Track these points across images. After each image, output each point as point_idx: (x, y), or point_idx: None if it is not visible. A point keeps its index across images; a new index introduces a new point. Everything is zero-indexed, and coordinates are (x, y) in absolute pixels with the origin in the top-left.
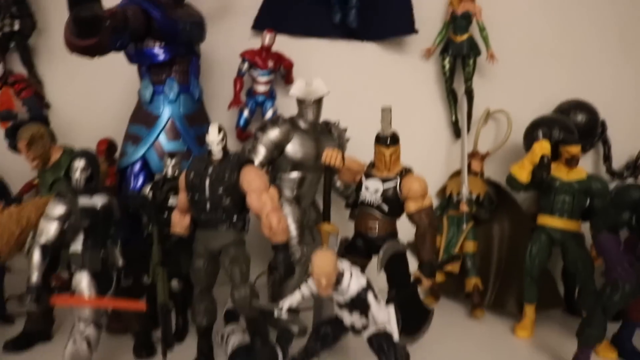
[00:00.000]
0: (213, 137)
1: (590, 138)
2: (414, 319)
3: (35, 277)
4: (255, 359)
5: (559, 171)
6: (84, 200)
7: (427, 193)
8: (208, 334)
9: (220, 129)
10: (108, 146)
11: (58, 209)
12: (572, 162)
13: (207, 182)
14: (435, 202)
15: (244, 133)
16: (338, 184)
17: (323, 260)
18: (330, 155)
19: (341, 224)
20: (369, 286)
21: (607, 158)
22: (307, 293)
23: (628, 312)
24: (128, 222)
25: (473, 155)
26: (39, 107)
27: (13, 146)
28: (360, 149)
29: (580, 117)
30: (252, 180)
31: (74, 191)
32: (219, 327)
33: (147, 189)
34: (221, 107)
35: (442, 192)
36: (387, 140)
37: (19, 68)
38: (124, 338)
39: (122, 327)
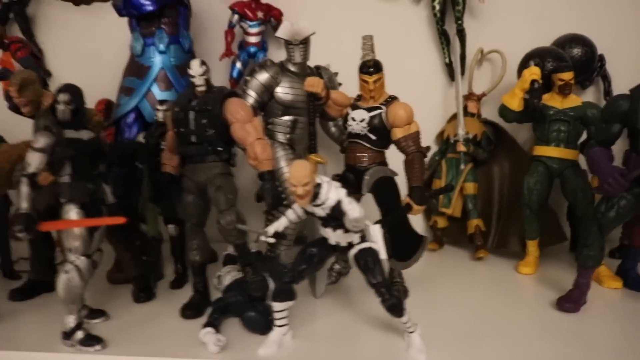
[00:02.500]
0: (195, 70)
1: (588, 73)
2: (406, 244)
3: (24, 205)
4: (247, 289)
5: (553, 100)
6: (70, 133)
7: (413, 119)
8: (203, 271)
9: (202, 63)
10: (106, 106)
11: (42, 139)
12: (565, 89)
13: (191, 114)
14: (433, 147)
15: (237, 84)
16: (333, 129)
17: (299, 168)
18: (311, 83)
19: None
20: (347, 196)
21: (608, 93)
22: (294, 217)
23: (632, 239)
24: (122, 175)
25: (469, 96)
26: (36, 67)
27: (12, 108)
28: (354, 93)
29: (577, 51)
30: (236, 111)
31: (60, 124)
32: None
33: (141, 136)
34: (214, 60)
35: (440, 136)
36: (370, 68)
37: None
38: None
39: (123, 278)
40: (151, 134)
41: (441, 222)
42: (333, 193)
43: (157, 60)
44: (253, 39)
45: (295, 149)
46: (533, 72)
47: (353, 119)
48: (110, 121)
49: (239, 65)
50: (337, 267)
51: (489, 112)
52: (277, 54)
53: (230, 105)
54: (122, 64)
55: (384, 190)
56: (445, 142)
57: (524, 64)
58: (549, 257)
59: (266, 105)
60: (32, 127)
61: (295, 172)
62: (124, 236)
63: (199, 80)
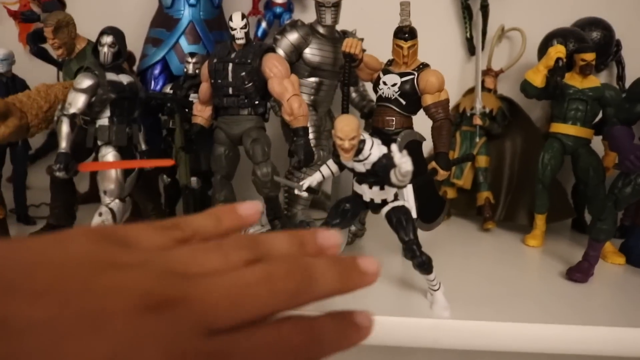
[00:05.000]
0: (237, 22)
1: (604, 57)
2: (430, 207)
3: (63, 145)
4: None
5: (573, 80)
6: (111, 76)
7: (443, 87)
8: None
9: (243, 16)
10: (127, 57)
11: (86, 81)
12: (586, 69)
13: (230, 66)
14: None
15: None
16: (354, 95)
17: (346, 122)
18: (350, 44)
19: None
20: (389, 153)
21: (621, 78)
22: (328, 172)
23: (637, 217)
24: (148, 124)
25: (487, 72)
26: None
27: (34, 52)
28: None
29: (596, 34)
30: (274, 66)
31: (101, 66)
32: None
33: (168, 88)
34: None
35: (455, 109)
36: (406, 34)
37: None
38: None
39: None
40: (180, 85)
41: (451, 193)
42: (376, 149)
43: (187, 13)
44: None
45: (317, 110)
46: (559, 50)
47: (384, 83)
48: (135, 72)
49: (264, 25)
50: (353, 228)
51: (505, 88)
52: (303, 16)
53: (269, 60)
54: (144, 15)
55: (414, 153)
56: (460, 115)
57: (546, 43)
58: (553, 233)
59: (293, 66)
60: (60, 73)
61: (342, 126)
62: (148, 185)
63: (239, 33)
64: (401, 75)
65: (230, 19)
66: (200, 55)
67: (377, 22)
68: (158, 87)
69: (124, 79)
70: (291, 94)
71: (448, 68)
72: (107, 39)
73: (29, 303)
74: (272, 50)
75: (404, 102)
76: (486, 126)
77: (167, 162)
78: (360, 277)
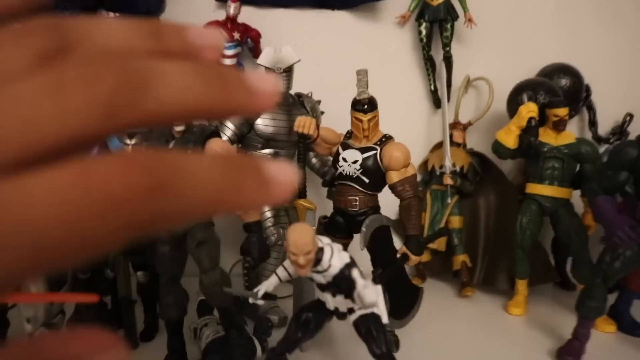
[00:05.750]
0: None
1: (574, 103)
2: (403, 299)
3: None
4: (231, 352)
5: (546, 136)
6: None
7: (409, 161)
8: (179, 328)
9: None
10: None
11: None
12: (559, 125)
13: None
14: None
15: None
16: (314, 160)
17: (300, 234)
18: (302, 124)
19: (319, 204)
20: (352, 262)
21: (593, 124)
22: (285, 275)
23: (627, 281)
24: None
25: (454, 125)
26: None
27: None
28: (336, 122)
29: (564, 81)
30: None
31: None
32: (191, 322)
33: None
34: None
35: (423, 166)
36: (365, 105)
37: None
38: None
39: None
40: None
41: (425, 256)
42: (336, 259)
43: None
44: (228, 61)
45: None
46: (530, 109)
47: (344, 160)
48: None
49: None
50: None
51: (474, 140)
52: None
53: (213, 148)
54: None
55: (381, 243)
56: (429, 173)
57: (515, 97)
58: (535, 292)
59: (244, 138)
60: None
61: (296, 239)
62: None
63: (178, 124)
64: (362, 150)
65: None
66: (140, 134)
67: (333, 79)
68: None
69: None
70: None
71: (413, 122)
72: None
73: None
74: (216, 134)
75: (367, 180)
76: (458, 185)
77: (91, 298)
78: (244, 95)
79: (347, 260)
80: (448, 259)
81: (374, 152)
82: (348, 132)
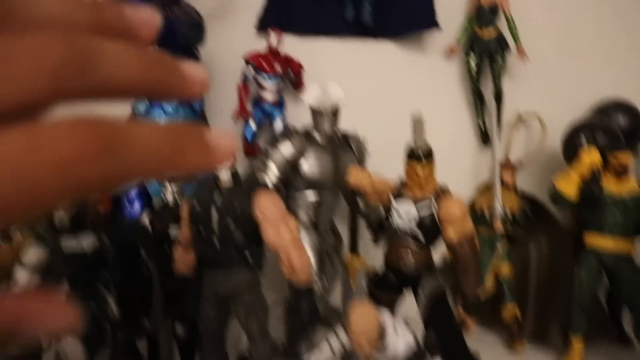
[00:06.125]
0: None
1: (633, 141)
2: None
3: None
4: None
5: (607, 183)
6: (68, 242)
7: (467, 216)
8: None
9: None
10: None
11: (34, 255)
12: (622, 171)
13: (215, 213)
14: None
15: (251, 147)
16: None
17: (363, 317)
18: (357, 178)
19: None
20: (418, 346)
21: None
22: (338, 347)
23: None
24: (123, 259)
25: (505, 165)
26: None
27: None
28: (379, 159)
29: (621, 119)
30: (267, 208)
31: (55, 231)
32: None
33: (145, 218)
34: (224, 117)
35: (470, 207)
36: (421, 156)
37: None
38: None
39: None
40: (159, 216)
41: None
42: (401, 342)
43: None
44: (269, 95)
45: (318, 229)
46: (593, 160)
47: (397, 213)
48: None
49: (253, 124)
50: None
51: (523, 180)
52: (295, 109)
53: (261, 201)
54: (118, 111)
55: (439, 312)
56: (477, 215)
57: (572, 140)
58: (589, 348)
59: (288, 180)
60: None
61: (359, 321)
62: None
63: (224, 174)
64: (417, 202)
65: None
66: (181, 183)
67: (378, 110)
68: (134, 212)
69: (86, 241)
70: (289, 242)
71: (459, 158)
72: None
73: None
74: (263, 186)
75: (422, 236)
76: (508, 231)
77: None
78: (177, 81)
79: (411, 341)
80: (495, 306)
81: (429, 204)
82: (400, 180)
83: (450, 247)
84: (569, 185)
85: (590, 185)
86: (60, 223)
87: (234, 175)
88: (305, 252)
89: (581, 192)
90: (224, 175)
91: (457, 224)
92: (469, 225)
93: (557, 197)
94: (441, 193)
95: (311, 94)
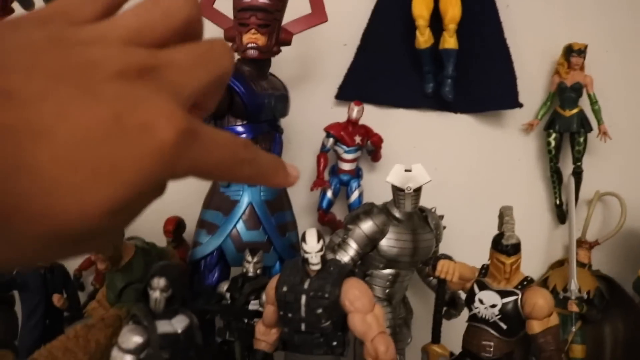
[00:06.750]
0: (311, 245)
1: None
2: None
3: None
4: None
5: None
6: (163, 326)
7: (553, 310)
8: None
9: (319, 236)
10: (176, 226)
11: (133, 339)
12: None
13: (304, 299)
14: None
15: (326, 216)
16: (434, 281)
17: None
18: (445, 270)
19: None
20: None
21: None
22: None
23: None
24: (202, 329)
25: (580, 244)
26: None
27: None
28: (454, 235)
29: None
30: (357, 298)
31: (152, 314)
32: None
33: (224, 288)
34: (300, 184)
35: (543, 283)
36: (510, 249)
37: None
38: None
39: None
40: (238, 288)
41: None
42: None
43: (246, 194)
44: (347, 166)
45: (391, 302)
46: None
47: (481, 302)
48: (183, 248)
49: (329, 194)
50: None
51: (598, 260)
52: (372, 178)
53: (350, 291)
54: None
55: None
56: (550, 293)
57: None
58: None
59: (366, 256)
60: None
61: None
62: None
63: (314, 258)
64: (502, 294)
65: (303, 239)
66: (262, 251)
67: (454, 182)
68: (213, 280)
69: (179, 324)
70: (376, 332)
71: (533, 235)
72: (159, 282)
73: (25, 78)
74: (352, 273)
75: (504, 327)
76: (583, 312)
77: None
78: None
79: None
80: None
81: (515, 297)
82: (484, 268)
83: (534, 339)
84: None
85: None
86: (156, 307)
87: (324, 261)
88: (392, 344)
89: None
90: (314, 259)
91: (542, 316)
92: (553, 318)
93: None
94: (527, 284)
95: (395, 174)
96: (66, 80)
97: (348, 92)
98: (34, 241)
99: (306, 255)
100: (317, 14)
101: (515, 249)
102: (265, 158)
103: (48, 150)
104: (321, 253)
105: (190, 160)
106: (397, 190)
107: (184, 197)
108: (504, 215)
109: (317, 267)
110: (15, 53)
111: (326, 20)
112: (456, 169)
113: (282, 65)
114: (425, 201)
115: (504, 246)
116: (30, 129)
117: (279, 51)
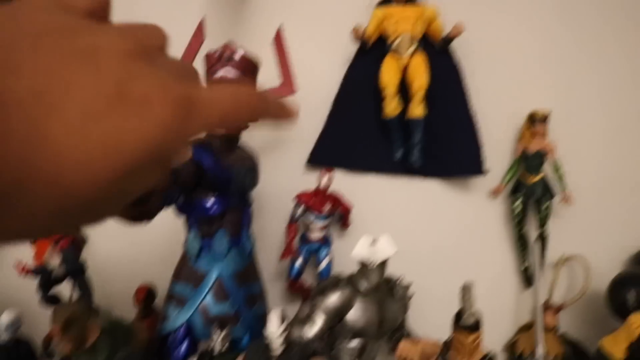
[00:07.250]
0: (273, 329)
1: None
2: None
3: None
4: None
5: None
6: None
7: None
8: None
9: (282, 319)
10: (146, 295)
11: None
12: None
13: None
14: (501, 357)
15: (295, 284)
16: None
17: None
18: (406, 353)
19: None
20: None
21: None
22: None
23: None
24: None
25: (546, 307)
26: (75, 260)
27: (46, 301)
28: (422, 300)
29: None
30: None
31: None
32: None
33: None
34: (269, 251)
35: (510, 347)
36: (470, 326)
37: None
38: None
39: None
40: None
41: None
42: None
43: (215, 267)
44: (317, 234)
45: None
46: None
47: None
48: (152, 317)
49: (299, 263)
50: None
51: (565, 323)
52: (342, 244)
53: None
54: (165, 245)
55: None
56: (518, 358)
57: (617, 292)
58: None
59: (333, 330)
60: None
61: None
62: None
63: (276, 342)
64: None
65: (267, 320)
66: (230, 327)
67: (420, 247)
68: (181, 354)
69: None
70: None
71: (499, 299)
72: None
73: (32, 54)
74: (315, 354)
75: None
76: None
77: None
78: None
79: None
80: None
81: None
82: (446, 344)
83: None
84: (616, 347)
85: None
86: None
87: (287, 343)
88: None
89: (630, 355)
90: (275, 343)
91: None
92: None
93: (602, 357)
94: None
95: (360, 248)
96: (71, 57)
97: (319, 157)
98: (45, 209)
99: (267, 339)
100: (286, 86)
101: (476, 326)
102: (270, 98)
103: (58, 121)
104: (282, 336)
105: (195, 121)
106: (363, 264)
107: (157, 263)
108: (465, 294)
109: (279, 351)
110: (19, 34)
111: (295, 93)
112: (425, 234)
113: (253, 131)
114: (393, 266)
115: (465, 324)
116: (40, 101)
117: (247, 126)
